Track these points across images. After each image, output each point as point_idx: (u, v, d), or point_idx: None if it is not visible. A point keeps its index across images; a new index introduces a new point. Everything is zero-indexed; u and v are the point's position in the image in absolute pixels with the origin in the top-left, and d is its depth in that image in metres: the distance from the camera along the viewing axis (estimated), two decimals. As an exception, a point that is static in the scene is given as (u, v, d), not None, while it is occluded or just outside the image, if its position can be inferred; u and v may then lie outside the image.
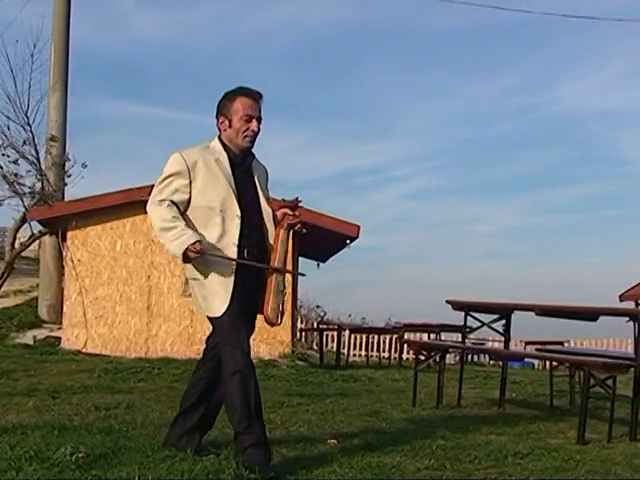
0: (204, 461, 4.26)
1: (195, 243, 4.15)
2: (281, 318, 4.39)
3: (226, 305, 4.20)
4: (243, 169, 4.45)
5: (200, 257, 4.19)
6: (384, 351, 16.48)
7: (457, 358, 15.52)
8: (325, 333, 16.54)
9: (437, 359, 7.88)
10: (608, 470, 4.83)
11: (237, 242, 4.28)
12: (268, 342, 12.91)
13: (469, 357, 18.04)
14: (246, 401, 4.14)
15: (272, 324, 4.39)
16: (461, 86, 54.37)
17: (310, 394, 7.82)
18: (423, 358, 8.03)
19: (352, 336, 19.85)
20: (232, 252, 4.26)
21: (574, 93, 51.16)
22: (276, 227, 4.47)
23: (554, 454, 5.23)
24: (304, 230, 4.55)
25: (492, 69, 51.92)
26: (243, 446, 4.11)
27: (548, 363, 10.31)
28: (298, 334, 15.21)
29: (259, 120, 4.40)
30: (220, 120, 4.43)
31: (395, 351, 17.16)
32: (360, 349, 20.64)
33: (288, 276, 4.80)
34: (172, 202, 4.28)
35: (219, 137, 4.47)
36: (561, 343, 13.15)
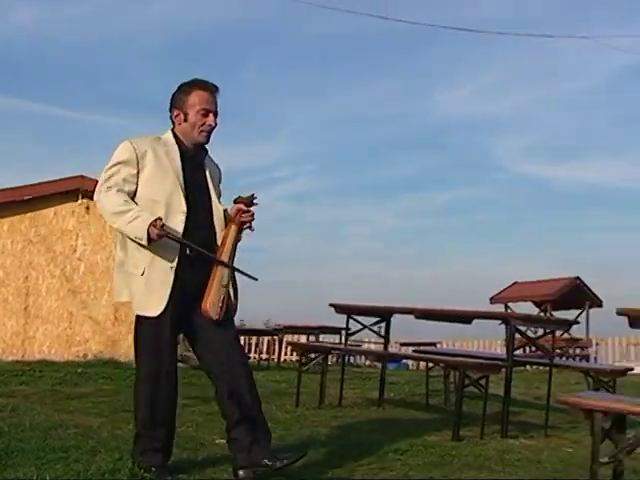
0: (98, 461, 4.35)
1: (157, 220, 3.98)
2: (221, 313, 4.17)
3: (163, 305, 4.07)
4: (194, 164, 4.31)
5: (160, 239, 4.00)
6: (263, 353, 16.69)
7: (334, 359, 15.85)
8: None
9: (320, 360, 8.12)
10: (481, 464, 5.15)
11: (177, 247, 4.12)
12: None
13: (346, 358, 18.47)
14: (153, 408, 4.14)
15: (211, 319, 4.16)
16: (343, 90, 55.02)
17: (195, 396, 7.92)
18: (306, 359, 8.26)
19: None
20: (174, 248, 4.11)
21: (451, 100, 52.64)
22: (227, 223, 4.32)
23: (431, 450, 5.54)
24: (253, 228, 4.36)
25: (373, 74, 52.82)
26: (143, 448, 4.16)
27: (424, 364, 10.71)
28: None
29: (216, 114, 4.28)
30: (175, 113, 4.28)
31: (274, 353, 17.40)
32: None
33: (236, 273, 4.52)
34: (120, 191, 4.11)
35: (172, 130, 4.33)
36: (434, 344, 13.65)
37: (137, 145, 4.16)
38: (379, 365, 16.87)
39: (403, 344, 14.51)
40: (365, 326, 8.10)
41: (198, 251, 4.12)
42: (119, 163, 4.13)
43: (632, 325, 4.22)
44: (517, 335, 6.73)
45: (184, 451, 4.95)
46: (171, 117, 4.31)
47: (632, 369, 8.55)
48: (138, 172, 4.14)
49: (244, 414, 4.17)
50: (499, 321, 6.96)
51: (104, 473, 4.11)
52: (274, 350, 18.19)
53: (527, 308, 22.75)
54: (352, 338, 14.03)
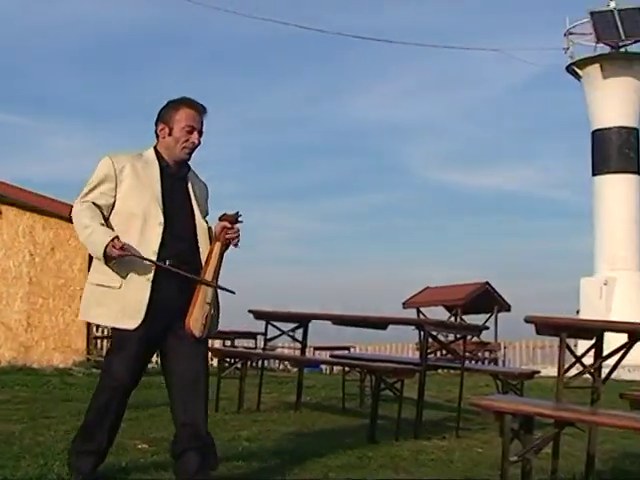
0: (24, 467, 4.40)
1: (114, 239, 3.99)
2: (204, 330, 4.17)
3: (140, 318, 4.05)
4: (175, 179, 4.32)
5: (122, 258, 4.02)
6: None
7: (249, 364, 15.95)
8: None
9: (239, 366, 8.25)
10: (397, 465, 5.37)
11: (157, 250, 4.11)
12: (62, 350, 12.85)
13: (260, 363, 18.62)
14: (102, 417, 4.20)
15: (194, 336, 4.14)
16: (258, 93, 55.28)
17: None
18: (226, 365, 8.37)
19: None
20: (149, 267, 4.10)
21: (363, 105, 53.38)
22: (212, 240, 4.30)
23: (349, 452, 5.73)
24: (239, 245, 4.34)
25: (289, 78, 53.18)
26: (79, 448, 4.23)
27: (337, 368, 10.93)
28: (93, 342, 15.10)
29: (200, 133, 4.30)
30: (160, 127, 4.30)
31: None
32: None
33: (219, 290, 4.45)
34: (95, 204, 4.14)
35: (155, 147, 4.34)
36: (348, 348, 13.91)
37: (116, 160, 4.19)
38: (292, 369, 17.17)
39: (317, 348, 14.75)
40: (283, 332, 8.27)
41: (163, 268, 4.10)
42: (98, 179, 4.17)
43: (539, 332, 4.48)
44: (430, 339, 6.99)
45: (109, 456, 5.02)
46: (156, 131, 4.33)
47: (539, 372, 8.94)
48: (116, 186, 4.17)
49: (195, 444, 4.19)
50: (413, 327, 7.21)
51: (31, 479, 4.17)
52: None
53: (438, 312, 23.27)
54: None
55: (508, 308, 23.01)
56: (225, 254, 4.30)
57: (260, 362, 9.77)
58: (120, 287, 4.08)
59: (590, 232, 22.75)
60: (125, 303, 4.07)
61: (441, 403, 9.75)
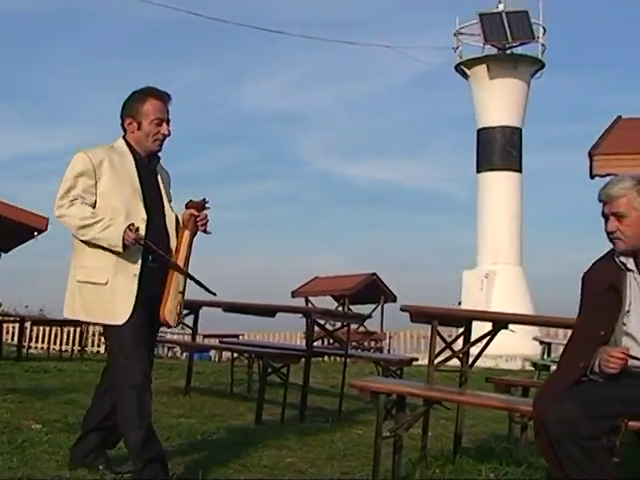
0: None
1: (131, 225, 3.98)
2: (178, 320, 4.21)
3: (129, 313, 4.03)
4: (148, 171, 4.27)
5: (137, 245, 4.00)
6: (66, 344, 16.61)
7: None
8: (5, 325, 16.32)
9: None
10: (282, 445, 5.69)
11: (141, 250, 4.08)
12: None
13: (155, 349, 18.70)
14: (143, 418, 4.13)
15: (168, 325, 4.21)
16: (149, 78, 54.66)
17: (2, 387, 8.01)
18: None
19: (33, 328, 19.62)
20: (137, 256, 4.08)
21: (257, 94, 53.56)
22: (180, 229, 4.30)
23: (237, 432, 6.05)
24: (210, 231, 4.34)
25: (181, 65, 52.79)
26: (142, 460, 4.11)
27: (226, 355, 11.17)
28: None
29: (168, 122, 4.25)
30: (127, 121, 4.23)
31: (77, 344, 17.34)
32: (40, 342, 20.41)
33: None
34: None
35: (124, 137, 4.28)
36: (237, 336, 14.12)
37: (92, 155, 4.12)
38: (181, 356, 17.31)
39: (206, 336, 14.90)
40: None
41: (164, 258, 4.10)
42: (76, 175, 4.08)
43: (413, 320, 4.88)
44: (317, 328, 7.34)
45: (2, 435, 5.19)
46: (123, 125, 4.27)
47: (417, 359, 9.41)
48: (96, 182, 4.10)
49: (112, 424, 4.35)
50: (300, 314, 7.53)
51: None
52: (74, 341, 18.16)
53: (327, 302, 23.70)
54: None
55: (394, 299, 23.63)
56: (194, 241, 4.29)
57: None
58: (107, 283, 4.05)
59: (474, 226, 23.61)
60: (113, 299, 4.04)
61: (325, 389, 10.10)
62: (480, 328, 4.96)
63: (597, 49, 50.58)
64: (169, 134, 4.26)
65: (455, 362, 5.19)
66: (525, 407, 4.19)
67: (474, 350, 4.97)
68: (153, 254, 4.09)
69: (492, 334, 4.73)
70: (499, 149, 23.20)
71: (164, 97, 4.26)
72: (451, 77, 24.81)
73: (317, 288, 24.04)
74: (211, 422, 6.50)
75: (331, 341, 13.21)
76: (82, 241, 4.10)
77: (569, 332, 4.08)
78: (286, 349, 7.85)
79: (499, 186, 22.96)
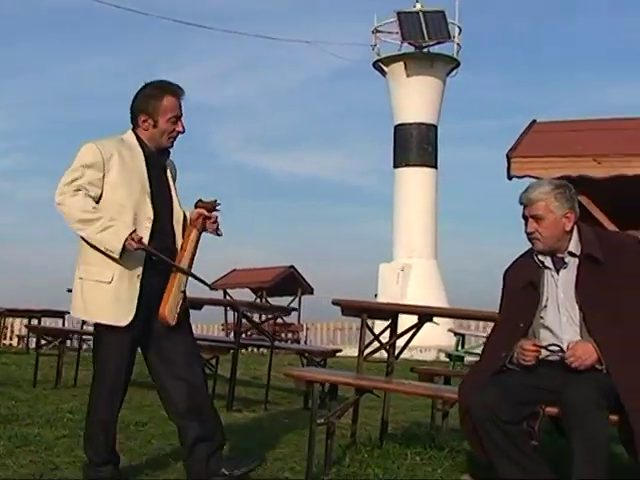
0: None
1: (133, 233, 3.87)
2: (177, 318, 4.06)
3: (130, 318, 3.95)
4: (158, 166, 4.16)
5: (140, 251, 3.91)
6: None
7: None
8: None
9: (57, 343, 8.50)
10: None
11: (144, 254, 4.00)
12: None
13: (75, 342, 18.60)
14: (104, 419, 4.19)
15: (167, 324, 4.04)
16: (60, 65, 53.66)
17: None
18: (44, 342, 8.59)
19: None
20: (140, 256, 3.98)
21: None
22: (187, 227, 4.20)
23: (168, 422, 6.14)
24: (221, 233, 4.27)
25: (92, 51, 51.98)
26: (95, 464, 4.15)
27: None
28: None
29: (182, 118, 4.16)
30: (142, 118, 4.08)
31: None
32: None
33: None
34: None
35: (133, 130, 4.14)
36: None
37: (102, 147, 3.99)
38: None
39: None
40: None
41: (167, 262, 4.03)
42: (84, 166, 3.96)
43: (344, 313, 5.13)
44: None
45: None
46: (136, 120, 4.13)
47: (341, 350, 9.70)
48: (104, 176, 3.97)
49: (204, 430, 4.14)
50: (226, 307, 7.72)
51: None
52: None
53: (244, 294, 23.86)
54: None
55: (311, 291, 23.95)
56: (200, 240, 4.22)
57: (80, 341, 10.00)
58: (111, 282, 3.96)
59: (390, 220, 24.09)
60: (116, 299, 3.95)
61: (249, 380, 10.32)
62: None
63: (510, 48, 51.91)
64: (184, 131, 4.17)
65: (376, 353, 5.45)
66: (449, 394, 4.51)
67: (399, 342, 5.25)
68: (161, 260, 4.01)
69: (418, 327, 5.02)
70: (415, 145, 23.71)
71: (179, 93, 4.15)
72: (370, 73, 25.24)
73: (235, 280, 24.17)
74: (142, 413, 6.65)
75: (249, 333, 13.43)
76: (84, 240, 4.00)
77: (481, 324, 4.39)
78: (214, 341, 8.03)
79: (415, 181, 23.47)
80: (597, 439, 3.46)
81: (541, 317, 3.87)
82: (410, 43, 24.15)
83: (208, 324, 24.11)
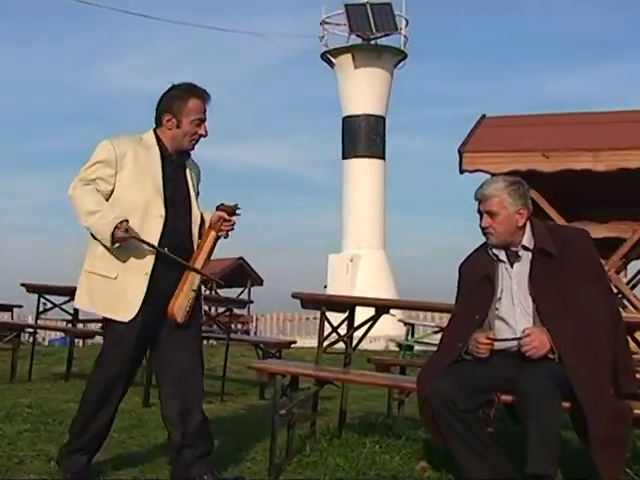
0: None
1: (123, 222, 3.88)
2: (186, 317, 4.06)
3: (134, 312, 3.97)
4: (176, 167, 4.18)
5: (126, 241, 3.92)
6: None
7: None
8: None
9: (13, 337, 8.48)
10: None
11: (156, 244, 4.01)
12: None
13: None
14: (92, 418, 4.14)
15: (176, 322, 4.04)
16: (2, 54, 52.85)
17: None
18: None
19: None
20: (150, 254, 4.01)
21: (118, 73, 52.73)
22: (206, 228, 4.23)
23: (127, 415, 6.25)
24: (228, 236, 4.28)
25: (37, 44, 51.31)
26: (70, 449, 4.16)
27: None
28: None
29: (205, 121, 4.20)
30: (166, 118, 4.12)
31: None
32: None
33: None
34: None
35: (155, 131, 4.19)
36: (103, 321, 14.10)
37: (117, 145, 4.05)
38: (43, 342, 17.14)
39: (80, 321, 14.81)
40: (55, 305, 8.58)
41: (166, 256, 4.03)
42: (97, 163, 4.03)
43: (303, 306, 5.23)
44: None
45: None
46: (159, 119, 4.17)
47: (295, 342, 9.83)
48: (116, 173, 4.03)
49: (190, 437, 4.12)
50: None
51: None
52: None
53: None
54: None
55: (261, 282, 24.03)
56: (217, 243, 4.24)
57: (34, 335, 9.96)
58: (116, 278, 4.00)
59: (339, 211, 24.24)
60: (121, 295, 3.99)
61: (204, 373, 10.39)
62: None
63: (457, 39, 52.42)
64: (206, 135, 4.20)
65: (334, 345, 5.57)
66: (406, 383, 4.65)
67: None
68: (161, 253, 4.01)
69: (375, 319, 5.15)
70: (363, 137, 23.88)
71: (205, 96, 4.18)
72: (318, 64, 25.33)
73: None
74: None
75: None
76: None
77: (429, 314, 4.52)
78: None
79: (363, 173, 23.65)
80: (550, 426, 3.62)
81: (496, 309, 4.01)
82: (358, 35, 24.31)
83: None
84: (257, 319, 24.32)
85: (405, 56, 24.71)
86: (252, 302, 10.65)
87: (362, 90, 23.72)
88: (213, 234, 4.20)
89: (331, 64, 24.64)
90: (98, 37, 52.71)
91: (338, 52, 24.30)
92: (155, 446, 5.15)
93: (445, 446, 3.93)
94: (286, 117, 52.32)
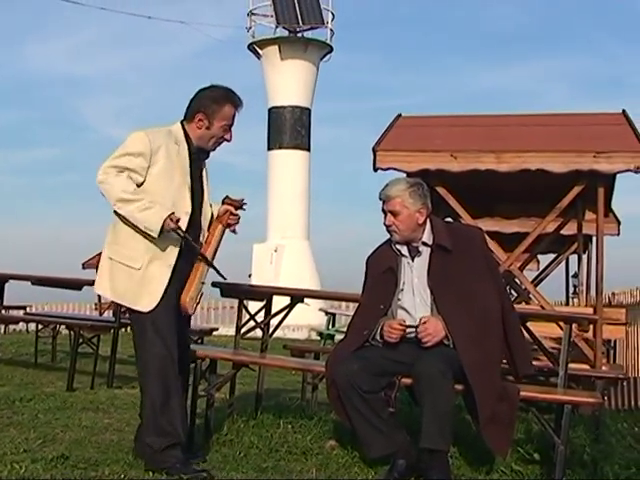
0: None
1: (172, 214, 4.02)
2: (195, 308, 4.26)
3: (155, 303, 4.09)
4: (198, 164, 4.32)
5: (175, 233, 4.05)
6: None
7: None
8: None
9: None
10: (97, 407, 6.20)
11: (179, 244, 4.16)
12: None
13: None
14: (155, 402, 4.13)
15: (187, 313, 4.24)
16: None
17: None
18: None
19: None
20: (174, 247, 4.15)
21: (41, 56, 51.92)
22: (213, 222, 4.36)
23: (52, 398, 6.50)
24: (237, 232, 4.43)
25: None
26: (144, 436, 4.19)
27: (34, 325, 11.32)
28: None
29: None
30: (199, 117, 4.22)
31: None
32: None
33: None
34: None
35: (182, 124, 4.29)
36: (24, 307, 14.09)
37: (152, 138, 4.12)
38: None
39: (5, 307, 14.78)
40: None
41: (198, 251, 4.19)
42: (132, 153, 4.10)
43: (223, 295, 5.53)
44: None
45: None
46: (192, 116, 4.26)
47: (217, 329, 10.11)
48: (149, 166, 4.10)
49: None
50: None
51: None
52: None
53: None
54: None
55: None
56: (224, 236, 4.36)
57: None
58: (140, 268, 4.10)
59: (264, 201, 24.51)
60: (144, 286, 4.10)
61: (127, 358, 10.58)
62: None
63: (383, 32, 52.97)
64: (230, 140, 4.34)
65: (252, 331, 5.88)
66: (318, 367, 5.02)
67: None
68: (190, 246, 4.15)
69: (290, 307, 5.49)
70: (289, 128, 24.16)
71: (240, 105, 4.32)
72: (245, 53, 25.46)
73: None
74: (25, 390, 6.91)
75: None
76: (122, 220, 4.11)
77: (351, 304, 4.87)
78: (96, 320, 8.31)
79: (288, 164, 23.93)
80: (442, 405, 4.00)
81: (399, 299, 4.37)
82: (285, 27, 24.55)
83: (80, 303, 23.96)
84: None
85: (331, 49, 25.06)
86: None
87: (288, 82, 23.98)
88: (220, 227, 4.34)
89: (258, 55, 24.82)
90: (19, 19, 51.74)
91: (265, 43, 24.50)
92: (79, 426, 5.38)
93: (349, 424, 4.28)
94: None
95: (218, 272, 4.35)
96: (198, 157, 4.31)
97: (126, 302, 4.19)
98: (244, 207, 4.39)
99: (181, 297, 4.16)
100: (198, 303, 4.27)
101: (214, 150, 4.36)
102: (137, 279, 4.10)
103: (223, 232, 4.35)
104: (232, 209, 4.34)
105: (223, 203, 4.39)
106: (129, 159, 4.08)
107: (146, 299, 4.09)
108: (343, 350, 4.41)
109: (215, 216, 4.37)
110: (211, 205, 4.39)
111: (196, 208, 4.25)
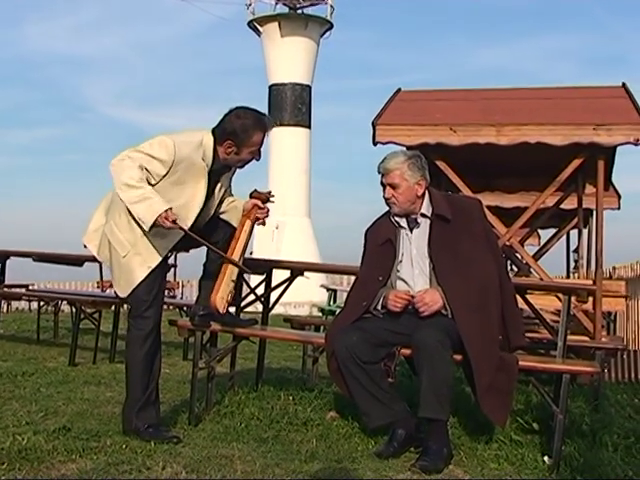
0: None
1: (168, 211, 4.02)
2: (227, 307, 4.34)
3: (129, 290, 4.25)
4: (216, 178, 4.37)
5: (173, 229, 4.09)
6: None
7: None
8: None
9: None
10: (99, 382, 6.25)
11: (170, 247, 4.28)
12: None
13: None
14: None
15: (218, 312, 4.33)
16: None
17: None
18: None
19: None
20: (162, 250, 4.25)
21: (42, 35, 51.78)
22: (241, 217, 4.43)
23: (54, 372, 6.55)
24: (265, 224, 4.48)
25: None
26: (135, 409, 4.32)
27: (36, 304, 11.37)
28: None
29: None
30: (227, 143, 4.26)
31: None
32: None
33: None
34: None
35: (214, 137, 4.28)
36: (27, 286, 14.15)
37: (178, 150, 4.13)
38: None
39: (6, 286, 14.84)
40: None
41: (211, 249, 4.29)
42: (155, 157, 4.12)
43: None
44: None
45: None
46: (221, 139, 4.27)
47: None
48: (166, 175, 4.14)
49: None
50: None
51: None
52: None
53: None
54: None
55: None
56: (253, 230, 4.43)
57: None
58: (124, 257, 4.20)
59: (265, 179, 24.49)
60: (123, 272, 4.24)
61: (124, 334, 10.64)
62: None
63: (384, 9, 52.75)
64: (259, 160, 4.40)
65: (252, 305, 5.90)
66: (317, 339, 5.04)
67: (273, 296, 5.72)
68: (192, 239, 4.20)
69: (290, 280, 5.50)
70: (289, 105, 24.15)
71: (269, 127, 4.35)
72: (245, 30, 25.41)
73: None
74: (27, 364, 6.95)
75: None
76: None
77: (352, 279, 4.89)
78: (98, 296, 8.33)
79: (289, 141, 23.94)
80: (440, 374, 4.02)
81: (397, 270, 4.39)
82: (285, 4, 24.47)
83: (82, 281, 24.01)
84: (183, 285, 24.45)
85: (331, 26, 25.00)
86: (176, 266, 10.87)
87: (289, 59, 23.95)
88: (249, 223, 4.38)
89: (258, 32, 24.77)
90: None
91: (265, 20, 24.45)
92: (81, 400, 5.42)
93: (349, 394, 4.30)
94: (212, 83, 52.06)
95: (243, 269, 4.42)
96: (220, 171, 4.36)
97: (111, 278, 4.36)
98: (272, 200, 4.43)
99: (210, 297, 4.26)
100: (230, 302, 4.33)
101: (241, 168, 4.44)
102: (119, 263, 4.22)
103: (252, 227, 4.39)
104: (259, 203, 4.39)
105: (250, 197, 4.43)
106: (149, 160, 4.11)
107: (123, 286, 4.25)
108: (342, 321, 4.42)
109: (243, 211, 4.41)
110: (234, 201, 4.47)
111: (201, 214, 4.29)
